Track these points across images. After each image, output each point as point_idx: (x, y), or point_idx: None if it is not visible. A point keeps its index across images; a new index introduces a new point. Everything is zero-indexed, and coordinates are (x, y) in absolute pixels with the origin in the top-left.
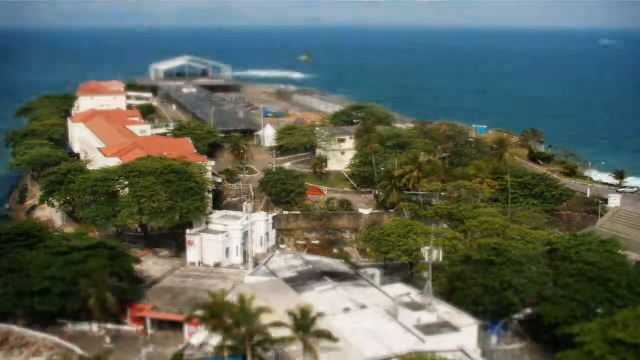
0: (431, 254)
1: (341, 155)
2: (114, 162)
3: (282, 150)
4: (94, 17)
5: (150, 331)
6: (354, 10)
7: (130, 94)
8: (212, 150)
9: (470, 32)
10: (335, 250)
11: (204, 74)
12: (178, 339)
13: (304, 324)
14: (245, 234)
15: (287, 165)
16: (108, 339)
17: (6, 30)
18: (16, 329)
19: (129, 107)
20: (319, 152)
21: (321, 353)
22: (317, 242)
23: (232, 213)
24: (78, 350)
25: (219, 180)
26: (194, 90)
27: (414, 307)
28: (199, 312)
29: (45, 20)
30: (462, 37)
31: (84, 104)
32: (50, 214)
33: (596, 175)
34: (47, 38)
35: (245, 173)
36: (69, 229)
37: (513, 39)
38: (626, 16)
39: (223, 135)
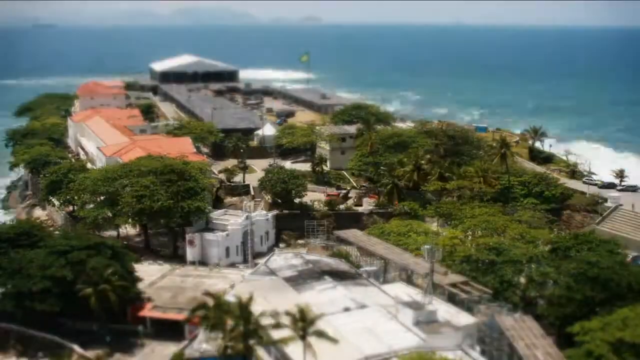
0: (431, 253)
1: (341, 155)
2: (113, 161)
3: (281, 149)
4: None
5: (149, 330)
6: (353, 9)
7: (130, 93)
8: (212, 149)
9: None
10: (335, 249)
11: (206, 75)
12: (178, 339)
13: (304, 323)
14: (245, 233)
15: (287, 164)
16: (108, 338)
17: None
18: (16, 328)
19: (129, 105)
20: (318, 151)
21: (321, 352)
22: (317, 240)
23: (232, 212)
24: (78, 349)
25: (219, 179)
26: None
27: (414, 306)
28: (199, 312)
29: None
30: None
31: (84, 103)
32: (50, 214)
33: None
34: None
35: (245, 172)
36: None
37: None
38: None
39: (223, 134)
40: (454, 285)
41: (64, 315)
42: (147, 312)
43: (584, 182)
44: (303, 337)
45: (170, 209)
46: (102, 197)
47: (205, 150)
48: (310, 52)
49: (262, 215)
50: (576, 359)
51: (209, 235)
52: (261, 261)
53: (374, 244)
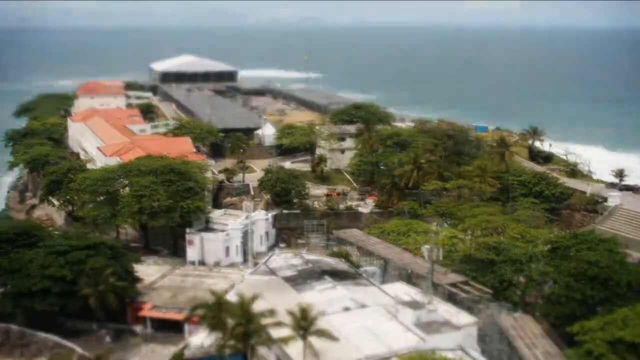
0: (431, 253)
1: (341, 154)
2: (113, 161)
3: (281, 149)
4: (99, 16)
5: (149, 330)
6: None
7: (130, 93)
8: (212, 149)
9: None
10: (334, 249)
11: (206, 75)
12: (178, 338)
13: (304, 322)
14: (245, 233)
15: (287, 164)
16: (108, 338)
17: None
18: (16, 328)
19: (129, 105)
20: (318, 151)
21: (321, 352)
22: (316, 240)
23: (232, 212)
24: (78, 349)
25: (219, 179)
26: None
27: (414, 305)
28: (199, 311)
29: (47, 19)
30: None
31: (84, 103)
32: (50, 213)
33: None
34: (50, 37)
35: (245, 172)
36: (69, 229)
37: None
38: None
39: (222, 134)
40: (453, 284)
41: (64, 315)
42: (147, 312)
43: None
44: (304, 337)
45: (170, 209)
46: (101, 197)
47: (204, 149)
48: (311, 52)
49: (261, 215)
50: (576, 358)
51: (208, 235)
52: (261, 261)
53: (373, 244)
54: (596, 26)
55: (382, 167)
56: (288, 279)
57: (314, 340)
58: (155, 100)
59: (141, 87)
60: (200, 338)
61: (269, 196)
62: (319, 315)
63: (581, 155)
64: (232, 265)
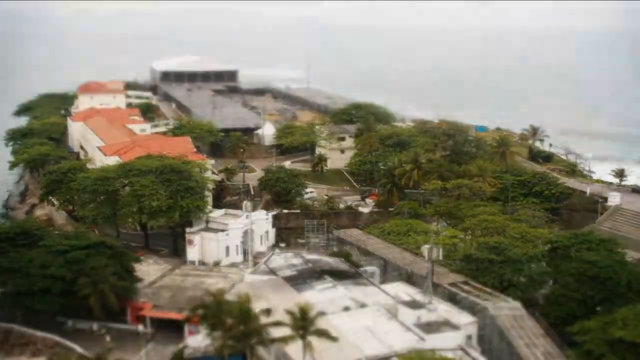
0: (431, 253)
1: (340, 154)
2: (113, 160)
3: (281, 148)
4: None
5: (149, 330)
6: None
7: (130, 92)
8: (212, 149)
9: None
10: (334, 249)
11: (206, 75)
12: (178, 338)
13: (304, 322)
14: (245, 233)
15: (287, 164)
16: (108, 338)
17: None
18: (16, 327)
19: (129, 105)
20: (318, 151)
21: (321, 352)
22: (317, 240)
23: (232, 211)
24: (78, 348)
25: (219, 178)
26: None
27: (414, 305)
28: (199, 311)
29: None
30: None
31: (84, 102)
32: (50, 213)
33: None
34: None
35: (245, 171)
36: (69, 228)
37: None
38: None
39: (222, 134)
40: (453, 284)
41: (64, 315)
42: (147, 311)
43: None
44: (303, 337)
45: (170, 208)
46: (101, 197)
47: (204, 149)
48: (311, 52)
49: (261, 215)
50: (576, 358)
51: (208, 235)
52: (261, 261)
53: (373, 244)
54: None
55: (381, 167)
56: (288, 279)
57: (313, 340)
58: (155, 100)
59: (141, 87)
60: (200, 338)
61: (269, 196)
62: (319, 315)
63: (581, 155)
64: (232, 265)
